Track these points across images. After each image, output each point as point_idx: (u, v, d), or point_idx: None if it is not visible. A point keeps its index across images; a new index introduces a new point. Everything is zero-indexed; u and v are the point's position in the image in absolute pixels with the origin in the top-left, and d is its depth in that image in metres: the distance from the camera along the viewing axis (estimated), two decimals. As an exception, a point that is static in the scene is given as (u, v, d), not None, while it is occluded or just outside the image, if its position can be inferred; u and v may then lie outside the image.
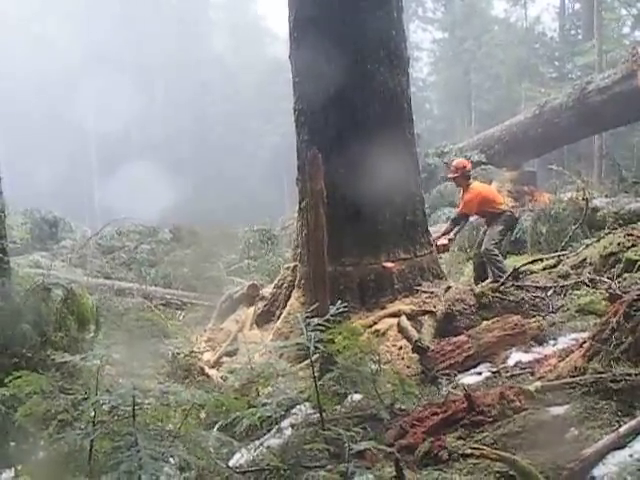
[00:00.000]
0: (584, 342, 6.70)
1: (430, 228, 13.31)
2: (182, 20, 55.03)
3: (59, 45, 49.64)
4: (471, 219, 13.88)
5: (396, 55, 12.13)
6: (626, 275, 10.12)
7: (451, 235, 12.79)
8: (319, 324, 5.96)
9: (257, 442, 6.29)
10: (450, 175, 13.27)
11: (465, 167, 12.98)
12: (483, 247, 12.20)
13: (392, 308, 10.85)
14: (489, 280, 11.60)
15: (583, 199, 15.70)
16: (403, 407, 6.55)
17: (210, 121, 54.47)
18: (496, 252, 12.21)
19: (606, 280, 10.07)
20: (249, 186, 50.26)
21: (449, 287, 10.89)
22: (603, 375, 5.76)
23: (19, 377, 5.53)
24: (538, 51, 45.77)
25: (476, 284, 11.77)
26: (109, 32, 48.43)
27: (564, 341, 8.12)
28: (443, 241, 12.78)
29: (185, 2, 58.30)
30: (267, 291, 13.20)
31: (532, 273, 11.67)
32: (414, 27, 54.75)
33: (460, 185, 13.06)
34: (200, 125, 53.01)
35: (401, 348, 9.48)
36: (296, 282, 12.01)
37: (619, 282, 9.62)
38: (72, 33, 49.44)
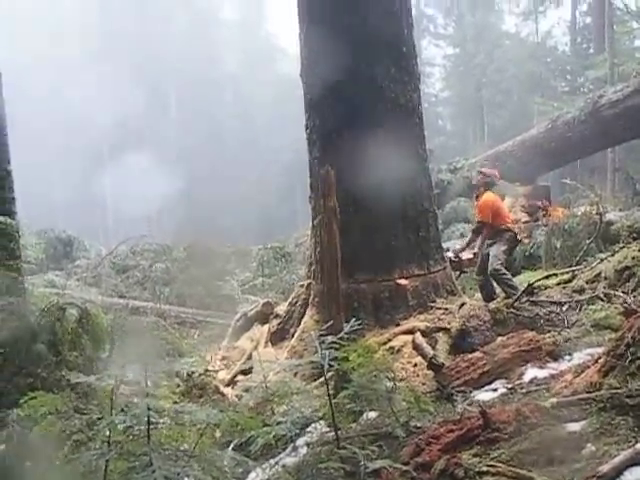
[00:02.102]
0: (600, 357, 6.67)
1: (444, 244, 13.29)
2: (193, 38, 55.21)
3: (70, 61, 49.82)
4: None
5: (407, 71, 12.15)
6: (641, 289, 10.10)
7: (475, 249, 12.61)
8: (333, 342, 5.95)
9: (272, 461, 6.28)
10: (473, 183, 13.22)
11: (496, 175, 12.92)
12: (490, 268, 12.03)
13: (406, 325, 10.83)
14: (503, 296, 11.55)
15: (597, 213, 15.65)
16: (419, 424, 6.53)
17: (223, 138, 54.64)
18: (503, 271, 12.07)
19: (621, 294, 10.04)
20: (263, 203, 50.33)
21: (463, 303, 10.87)
22: (619, 391, 5.73)
23: (34, 398, 5.53)
24: (550, 65, 45.80)
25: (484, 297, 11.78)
26: (120, 53, 48.57)
27: (579, 356, 8.08)
28: (468, 255, 12.68)
29: (196, 21, 58.53)
30: (281, 309, 13.17)
31: (547, 288, 11.62)
32: (425, 43, 54.93)
33: (477, 193, 12.84)
34: (214, 143, 53.14)
35: (416, 365, 9.45)
36: (310, 300, 11.98)
37: (634, 296, 9.60)
38: (83, 50, 49.61)
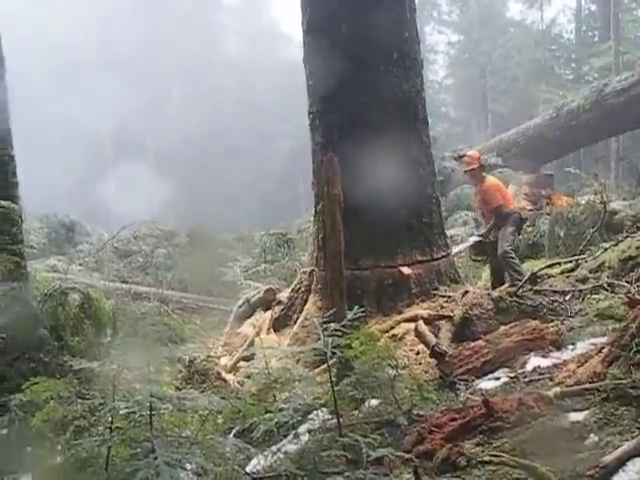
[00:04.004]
0: (603, 347, 6.67)
1: (448, 231, 13.29)
2: (196, 24, 55.11)
3: (73, 47, 49.73)
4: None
5: (409, 57, 12.12)
6: (645, 279, 10.09)
7: (484, 234, 12.68)
8: (336, 329, 5.94)
9: (274, 448, 6.27)
10: (467, 168, 12.83)
11: (480, 158, 12.87)
12: (500, 250, 12.05)
13: (409, 313, 10.81)
14: (507, 284, 11.53)
15: (601, 202, 15.63)
16: (421, 413, 6.53)
17: (226, 124, 54.58)
18: (512, 254, 12.13)
19: (625, 284, 10.04)
20: (265, 189, 50.37)
21: (466, 291, 10.85)
22: (623, 381, 5.73)
23: (36, 383, 5.53)
24: (555, 53, 45.73)
25: (494, 289, 11.71)
26: (122, 36, 48.45)
27: (583, 346, 8.07)
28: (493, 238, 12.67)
29: (198, 5, 58.39)
30: (284, 295, 13.16)
31: (550, 277, 11.63)
32: (429, 29, 54.78)
33: (476, 178, 12.78)
34: (216, 129, 53.09)
35: (418, 353, 9.44)
36: (313, 286, 11.97)
37: (638, 286, 9.58)
38: (84, 36, 49.51)
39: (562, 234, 15.45)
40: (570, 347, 8.23)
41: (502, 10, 52.43)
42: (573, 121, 23.86)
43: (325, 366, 6.70)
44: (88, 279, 16.19)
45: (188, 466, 4.56)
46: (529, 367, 7.82)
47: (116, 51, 47.13)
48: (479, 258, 12.93)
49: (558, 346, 8.33)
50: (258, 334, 12.55)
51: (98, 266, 20.26)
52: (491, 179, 12.75)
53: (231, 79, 55.12)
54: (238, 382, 10.32)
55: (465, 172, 12.87)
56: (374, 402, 6.82)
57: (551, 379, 7.10)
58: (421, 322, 9.55)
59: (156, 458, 4.27)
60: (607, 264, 11.42)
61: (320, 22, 12.10)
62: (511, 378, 7.63)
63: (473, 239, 12.82)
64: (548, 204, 21.06)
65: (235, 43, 60.21)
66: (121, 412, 4.69)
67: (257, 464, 6.05)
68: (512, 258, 12.05)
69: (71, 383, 7.15)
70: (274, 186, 50.92)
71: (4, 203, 9.19)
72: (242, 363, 11.69)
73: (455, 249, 12.79)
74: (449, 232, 15.51)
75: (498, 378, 7.76)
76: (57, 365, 8.35)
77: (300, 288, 12.48)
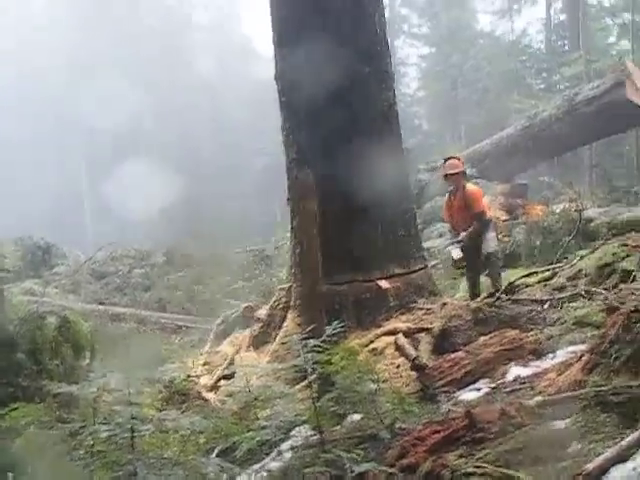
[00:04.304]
0: (583, 355, 6.68)
1: (424, 244, 13.30)
2: (165, 42, 55.10)
3: (42, 72, 49.75)
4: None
5: (381, 71, 12.27)
6: (622, 286, 10.12)
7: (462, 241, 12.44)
8: (316, 345, 5.95)
9: (257, 466, 6.26)
10: (452, 171, 12.47)
11: (462, 163, 12.88)
12: (490, 250, 12.03)
13: (388, 326, 10.84)
14: (484, 294, 11.55)
15: (576, 210, 15.74)
16: (403, 426, 6.52)
17: (199, 142, 54.58)
18: (499, 255, 12.25)
19: (602, 291, 10.07)
20: (240, 206, 50.32)
21: (445, 303, 10.90)
22: (603, 388, 5.74)
23: (16, 409, 5.51)
24: (525, 63, 45.99)
25: (473, 299, 11.73)
26: (90, 55, 48.42)
27: (562, 354, 8.09)
28: None
29: (166, 24, 58.36)
30: (263, 312, 13.17)
31: (527, 286, 11.65)
32: (400, 43, 54.99)
33: (458, 183, 12.47)
34: (190, 147, 53.09)
35: (399, 366, 9.45)
36: (291, 303, 11.98)
37: (615, 293, 9.62)
38: (54, 61, 49.52)
39: (538, 243, 15.54)
40: (550, 356, 8.25)
41: (472, 22, 52.72)
42: (545, 130, 23.99)
43: (306, 382, 6.68)
44: (65, 301, 16.18)
45: (171, 487, 4.55)
46: (510, 377, 7.84)
47: (84, 73, 47.07)
48: (463, 264, 12.79)
49: (538, 355, 8.35)
50: (238, 352, 12.56)
51: (75, 288, 20.24)
52: (474, 186, 12.75)
53: (203, 97, 55.11)
54: (219, 401, 10.31)
55: (449, 176, 12.51)
56: (356, 417, 6.82)
57: (532, 388, 7.11)
58: (401, 335, 9.56)
59: (139, 480, 4.27)
60: (584, 272, 11.48)
61: (291, 38, 12.15)
62: (492, 388, 7.65)
63: (456, 252, 12.59)
64: (523, 213, 21.19)
65: (206, 61, 60.24)
66: (102, 435, 4.67)
67: (240, 483, 6.05)
68: (498, 259, 12.12)
69: (50, 407, 7.11)
70: (249, 202, 50.90)
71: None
72: (222, 382, 11.68)
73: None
74: (425, 244, 15.55)
75: (479, 389, 7.77)
76: (36, 389, 8.31)
77: (279, 305, 12.50)
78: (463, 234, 12.17)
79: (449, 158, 12.94)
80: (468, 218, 12.30)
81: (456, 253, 12.20)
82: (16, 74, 49.93)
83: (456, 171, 12.39)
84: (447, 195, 12.75)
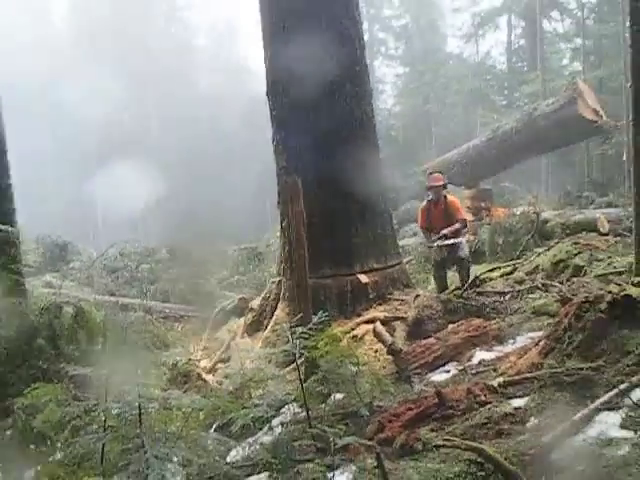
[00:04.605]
0: (540, 341, 6.73)
1: (400, 242, 13.29)
2: (170, 63, 54.93)
3: (57, 85, 49.52)
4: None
5: (361, 88, 12.31)
6: (574, 279, 10.20)
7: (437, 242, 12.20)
8: (303, 332, 5.97)
9: (251, 440, 6.26)
10: (439, 183, 12.37)
11: (444, 178, 12.66)
12: (463, 255, 11.93)
13: (368, 315, 10.86)
14: (452, 287, 11.56)
15: (534, 212, 15.80)
16: (381, 404, 6.54)
17: (199, 153, 54.46)
18: (470, 259, 12.38)
19: (557, 284, 10.15)
20: (236, 207, 50.24)
21: (418, 295, 10.92)
22: (558, 370, 5.78)
23: (37, 388, 5.51)
24: (489, 82, 46.06)
25: (441, 292, 11.74)
26: (101, 72, 48.16)
27: (522, 340, 8.15)
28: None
29: (172, 47, 58.24)
30: (256, 303, 13.14)
31: (491, 280, 11.70)
32: (378, 63, 54.96)
33: (439, 195, 12.36)
34: (189, 156, 52.96)
35: (377, 351, 9.46)
36: (281, 294, 12.01)
37: (568, 286, 9.67)
38: (68, 75, 49.29)
39: (501, 241, 15.59)
40: (511, 341, 8.30)
41: (442, 45, 52.72)
42: (507, 141, 23.94)
43: (294, 365, 6.72)
44: (80, 293, 16.08)
45: (175, 459, 4.55)
46: (475, 360, 7.87)
47: (98, 86, 46.88)
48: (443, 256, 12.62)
49: (500, 341, 8.39)
50: (234, 338, 12.54)
51: (89, 281, 20.15)
52: (451, 196, 12.73)
53: (203, 111, 54.94)
54: (217, 382, 10.28)
55: (435, 187, 12.35)
56: (339, 396, 6.81)
57: (495, 370, 7.14)
58: (378, 323, 9.58)
59: (146, 452, 4.27)
60: (541, 267, 11.55)
61: (281, 59, 12.17)
62: (460, 371, 7.68)
63: (440, 242, 12.38)
64: (487, 215, 21.24)
65: (206, 78, 60.08)
66: (113, 412, 4.67)
67: (236, 455, 6.05)
68: (469, 262, 12.16)
69: (67, 387, 7.09)
70: (244, 205, 50.85)
71: (4, 228, 9.16)
72: (220, 365, 11.66)
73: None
74: (401, 242, 15.55)
75: (448, 371, 7.81)
76: (54, 372, 8.30)
77: (270, 296, 12.50)
78: (445, 230, 12.01)
79: (433, 172, 12.92)
80: (447, 223, 12.16)
81: (440, 242, 12.02)
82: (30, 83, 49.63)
83: (440, 184, 12.33)
84: (426, 203, 12.61)
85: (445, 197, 12.38)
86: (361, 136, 12.15)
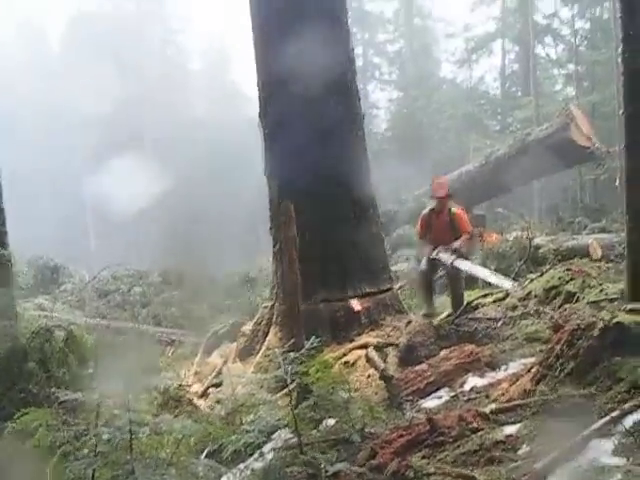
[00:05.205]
0: (532, 367, 6.74)
1: (392, 267, 13.31)
2: (165, 88, 55.04)
3: (55, 108, 49.65)
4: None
5: (353, 111, 12.63)
6: (567, 306, 10.20)
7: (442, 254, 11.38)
8: (295, 358, 5.98)
9: (242, 466, 6.23)
10: (442, 194, 11.55)
11: (447, 186, 11.98)
12: (461, 268, 11.32)
13: (360, 341, 10.88)
14: (446, 313, 11.44)
15: (527, 238, 15.82)
16: (372, 431, 6.53)
17: (194, 177, 54.49)
18: (463, 275, 11.64)
19: (549, 311, 10.14)
20: (229, 231, 50.25)
21: (410, 321, 10.94)
22: (550, 397, 5.79)
23: (27, 413, 5.50)
24: (483, 107, 46.25)
25: (428, 304, 11.57)
26: (97, 97, 48.21)
27: (514, 367, 8.15)
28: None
29: (167, 71, 58.40)
30: (248, 328, 13.15)
31: (484, 306, 11.68)
32: (372, 87, 55.16)
33: (443, 206, 11.56)
34: (185, 181, 53.03)
35: (369, 377, 9.47)
36: (274, 319, 12.03)
37: (561, 313, 9.67)
38: (70, 98, 49.40)
39: (493, 267, 15.56)
40: (503, 368, 8.30)
41: (435, 70, 52.94)
42: (500, 167, 24.03)
43: (286, 391, 6.71)
44: (71, 316, 16.06)
45: (165, 485, 4.54)
46: (467, 387, 7.88)
47: (96, 111, 46.97)
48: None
49: (492, 367, 8.40)
50: (225, 363, 12.53)
51: (80, 304, 20.11)
52: (456, 207, 11.99)
53: (199, 135, 55.02)
54: (208, 407, 10.27)
55: (439, 198, 11.57)
56: (331, 422, 6.81)
57: (487, 397, 7.15)
58: (371, 349, 9.62)
59: (136, 479, 4.26)
60: (533, 293, 11.54)
61: (273, 85, 12.39)
62: (452, 397, 7.69)
63: (446, 256, 11.68)
64: (481, 241, 21.24)
65: (201, 104, 60.25)
66: (104, 437, 4.66)
67: (227, 481, 6.03)
68: (462, 278, 11.53)
69: (58, 412, 7.08)
70: (237, 229, 50.83)
71: (-5, 250, 9.16)
72: (212, 389, 11.64)
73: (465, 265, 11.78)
74: (393, 267, 15.57)
75: (440, 397, 7.82)
76: (45, 395, 8.30)
77: (262, 321, 12.52)
78: (457, 243, 11.31)
79: (438, 180, 12.39)
80: (450, 236, 11.45)
81: (446, 257, 11.22)
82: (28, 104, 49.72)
83: (444, 195, 11.56)
84: (427, 212, 11.85)
85: (450, 209, 11.62)
86: (354, 164, 12.30)
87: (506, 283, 10.78)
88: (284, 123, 12.08)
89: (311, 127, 11.69)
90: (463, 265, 11.23)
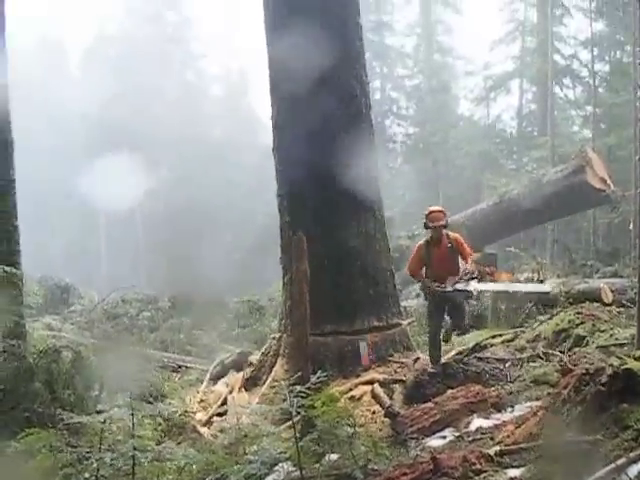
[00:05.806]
0: (538, 410, 6.71)
1: (403, 302, 13.31)
2: (185, 112, 55.30)
3: (72, 125, 49.93)
4: None
5: (366, 147, 12.69)
6: (576, 349, 10.20)
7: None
8: (301, 391, 5.99)
9: (243, 497, 6.23)
10: (439, 223, 10.97)
11: (445, 215, 11.31)
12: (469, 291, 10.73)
13: (367, 376, 10.90)
14: (454, 352, 11.47)
15: (538, 279, 15.79)
16: (376, 467, 6.51)
17: (207, 201, 54.62)
18: (469, 302, 11.42)
19: (558, 354, 10.14)
20: (240, 258, 50.27)
21: (417, 358, 10.94)
22: (555, 442, 5.76)
23: (31, 434, 5.52)
24: (499, 145, 46.21)
25: (437, 355, 11.20)
26: (119, 123, 48.44)
27: (520, 409, 8.12)
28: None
29: (187, 96, 58.73)
30: (255, 358, 13.17)
31: (492, 346, 11.68)
32: (389, 122, 55.15)
33: (440, 234, 11.01)
34: (198, 204, 53.11)
35: (374, 413, 9.48)
36: (281, 351, 12.05)
37: (570, 356, 9.66)
38: (86, 117, 49.71)
39: (503, 308, 15.54)
40: (509, 409, 8.28)
41: (453, 106, 52.98)
42: (514, 207, 24.02)
43: (290, 423, 6.71)
44: (79, 337, 16.07)
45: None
46: (473, 427, 7.85)
47: (116, 131, 47.26)
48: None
49: (499, 408, 8.38)
50: (231, 392, 12.51)
51: (88, 326, 20.12)
52: (451, 232, 11.37)
53: (215, 160, 55.21)
54: (212, 435, 10.27)
55: (438, 227, 10.95)
56: (334, 457, 6.80)
57: (492, 438, 7.12)
58: (377, 385, 9.61)
59: (137, 506, 4.26)
60: (543, 335, 11.53)
61: (288, 119, 12.51)
62: (456, 437, 7.65)
63: (473, 285, 10.85)
64: (491, 280, 21.18)
65: (218, 128, 60.52)
66: (106, 462, 4.67)
67: (227, 513, 6.02)
68: (467, 305, 11.09)
69: (61, 433, 7.10)
70: (248, 256, 50.86)
71: (7, 269, 9.21)
72: (216, 418, 11.63)
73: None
74: (404, 303, 15.56)
75: (445, 437, 7.78)
76: (49, 415, 8.33)
77: (269, 352, 12.53)
78: (470, 267, 10.82)
79: (433, 211, 11.27)
80: (454, 263, 10.98)
81: (469, 286, 10.65)
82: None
83: (442, 223, 10.96)
84: (423, 244, 11.31)
85: (447, 234, 11.13)
86: (366, 196, 12.48)
87: (544, 287, 10.68)
88: (295, 160, 12.27)
89: (322, 166, 11.81)
90: (490, 287, 11.11)
